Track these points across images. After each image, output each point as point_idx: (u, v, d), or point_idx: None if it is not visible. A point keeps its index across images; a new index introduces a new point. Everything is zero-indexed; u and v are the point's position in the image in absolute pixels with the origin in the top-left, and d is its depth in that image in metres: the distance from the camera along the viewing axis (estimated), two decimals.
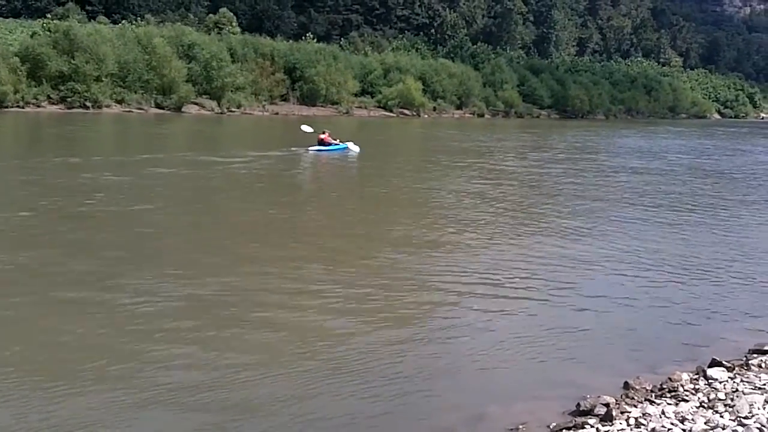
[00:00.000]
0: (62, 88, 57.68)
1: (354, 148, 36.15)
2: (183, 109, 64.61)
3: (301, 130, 37.68)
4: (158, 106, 63.53)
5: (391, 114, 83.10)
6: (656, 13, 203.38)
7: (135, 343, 9.36)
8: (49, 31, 61.66)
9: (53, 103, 57.41)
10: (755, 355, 10.09)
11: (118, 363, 8.75)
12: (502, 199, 23.03)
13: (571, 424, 7.70)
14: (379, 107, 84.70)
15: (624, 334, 10.98)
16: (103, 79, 59.42)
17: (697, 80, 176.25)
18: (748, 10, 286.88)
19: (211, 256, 13.92)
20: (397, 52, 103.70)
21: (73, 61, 57.54)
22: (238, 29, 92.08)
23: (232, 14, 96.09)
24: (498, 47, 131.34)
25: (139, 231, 15.93)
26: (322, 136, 35.62)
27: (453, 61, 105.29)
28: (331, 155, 34.64)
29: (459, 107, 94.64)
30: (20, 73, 55.05)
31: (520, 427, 7.63)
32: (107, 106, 59.42)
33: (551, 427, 7.70)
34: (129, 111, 60.43)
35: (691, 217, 21.79)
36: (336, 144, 35.73)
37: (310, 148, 34.72)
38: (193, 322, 10.23)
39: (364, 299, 11.70)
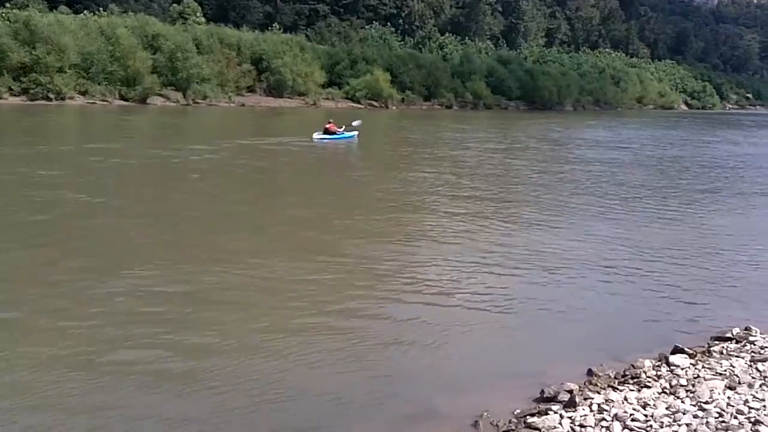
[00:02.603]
0: (24, 79, 56.99)
1: (356, 124, 38.82)
2: (148, 101, 64.11)
3: (351, 125, 39.17)
4: (122, 97, 63.02)
5: (359, 105, 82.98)
6: (624, 3, 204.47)
7: (112, 331, 9.40)
8: (9, 21, 60.90)
9: (15, 95, 56.72)
10: (717, 342, 10.33)
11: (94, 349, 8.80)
12: (469, 192, 23.15)
13: (535, 411, 7.87)
14: (346, 98, 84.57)
15: (589, 322, 11.19)
16: (66, 70, 58.78)
17: (664, 71, 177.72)
18: (716, 0, 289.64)
19: (170, 250, 13.92)
20: (364, 43, 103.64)
21: (34, 52, 56.81)
22: (203, 19, 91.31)
23: (197, 4, 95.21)
24: (466, 38, 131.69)
25: (95, 222, 15.89)
26: (328, 126, 37.01)
27: (421, 52, 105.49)
28: (337, 143, 36.06)
29: (427, 99, 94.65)
30: None
31: (484, 414, 7.77)
32: (70, 98, 58.85)
33: (515, 413, 7.86)
34: (93, 103, 59.89)
35: (657, 207, 22.06)
36: (341, 133, 37.22)
37: (315, 136, 36.08)
38: (158, 314, 10.27)
39: (329, 290, 11.80)
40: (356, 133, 38.77)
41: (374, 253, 14.20)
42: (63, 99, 58.04)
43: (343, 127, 38.09)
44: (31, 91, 56.80)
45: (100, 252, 13.37)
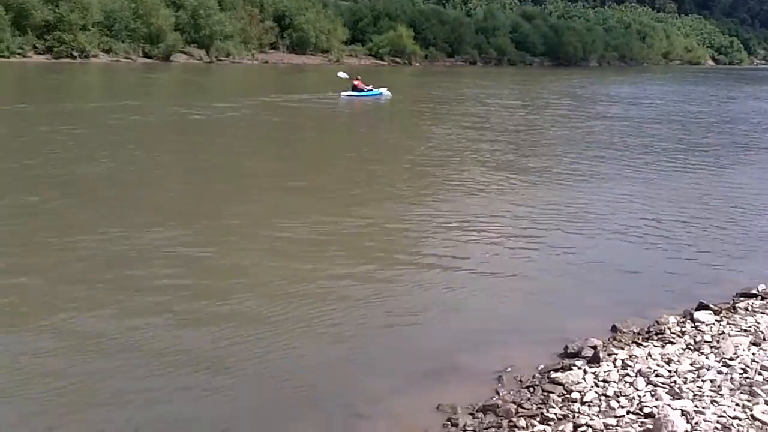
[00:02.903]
0: (48, 37, 57.01)
1: (386, 93, 38.26)
2: (171, 58, 64.07)
3: (337, 76, 39.77)
4: (146, 55, 62.97)
5: (383, 62, 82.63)
6: None
7: (115, 296, 9.46)
8: None
9: (39, 53, 56.76)
10: (742, 299, 10.24)
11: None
12: (491, 151, 22.89)
13: (558, 366, 7.86)
14: (369, 55, 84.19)
15: (613, 278, 11.15)
16: (90, 28, 58.71)
17: (691, 26, 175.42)
18: None
19: (187, 212, 13.93)
20: None
21: (57, 10, 56.81)
22: None
23: None
24: None
25: (113, 181, 15.96)
26: (356, 83, 37.52)
27: (444, 8, 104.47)
28: (364, 100, 36.44)
29: (451, 55, 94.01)
30: (4, 22, 54.32)
31: (508, 369, 7.79)
32: (94, 56, 58.84)
33: (539, 368, 7.86)
34: (117, 60, 59.89)
35: (680, 164, 21.91)
36: (369, 89, 37.63)
37: (343, 94, 36.57)
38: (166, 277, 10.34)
39: (349, 252, 11.77)
40: (385, 89, 38.66)
41: (394, 214, 14.13)
42: (87, 57, 58.07)
43: (371, 85, 38.24)
44: (56, 49, 56.83)
45: (115, 211, 13.34)
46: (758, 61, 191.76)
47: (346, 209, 14.16)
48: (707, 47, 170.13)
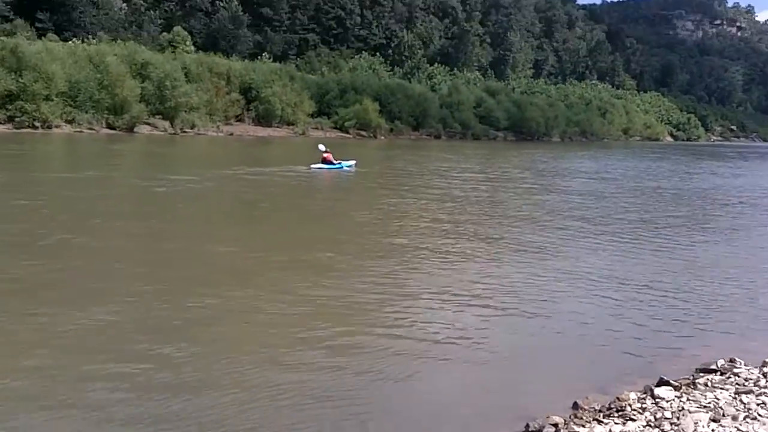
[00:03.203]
0: (10, 107, 56.88)
1: (352, 166, 39.74)
2: (135, 129, 64.23)
3: (318, 148, 40.25)
4: (110, 126, 63.07)
5: (348, 135, 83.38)
6: (611, 36, 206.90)
7: (79, 365, 9.24)
8: None
9: (0, 123, 56.57)
10: (702, 374, 10.20)
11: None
12: (453, 223, 22.88)
13: None
14: (335, 128, 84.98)
15: (573, 354, 11.05)
16: (53, 98, 58.72)
17: (650, 103, 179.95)
18: (700, 33, 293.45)
19: (147, 280, 13.77)
20: (354, 72, 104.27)
21: (21, 80, 56.80)
22: (193, 48, 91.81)
23: (186, 33, 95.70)
24: (455, 69, 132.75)
25: (72, 251, 15.74)
26: (325, 155, 38.67)
27: (410, 82, 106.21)
28: (333, 173, 37.49)
29: (416, 128, 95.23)
30: None
31: None
32: (57, 126, 58.80)
33: None
34: (80, 131, 59.87)
35: (639, 238, 21.93)
36: (338, 163, 38.84)
37: (313, 166, 37.74)
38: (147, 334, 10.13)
39: (305, 322, 11.58)
40: (354, 162, 40.09)
41: (353, 284, 13.95)
42: (49, 127, 57.96)
43: (338, 160, 39.20)
44: (17, 119, 56.70)
45: (74, 281, 13.09)
46: (715, 138, 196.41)
47: (302, 281, 14.00)
48: (666, 123, 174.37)
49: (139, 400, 8.38)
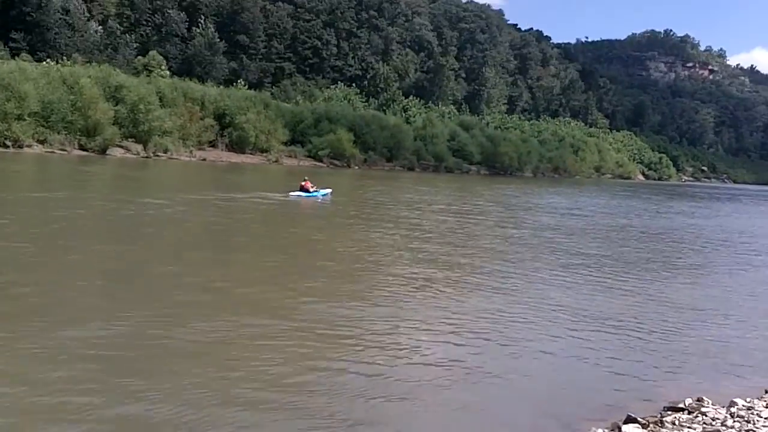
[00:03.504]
0: None
1: (328, 194, 40.66)
2: (107, 152, 63.81)
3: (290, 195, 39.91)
4: (82, 147, 62.64)
5: (321, 164, 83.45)
6: (584, 75, 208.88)
7: (45, 398, 9.03)
8: None
9: None
10: (669, 412, 10.22)
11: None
12: (423, 256, 22.77)
13: None
14: (309, 156, 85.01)
15: (541, 391, 11.01)
16: (26, 118, 58.29)
17: (622, 142, 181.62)
18: (672, 75, 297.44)
19: (114, 307, 13.56)
20: (329, 102, 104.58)
21: None
22: (168, 73, 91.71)
23: (161, 57, 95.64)
24: (430, 102, 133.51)
25: (35, 276, 15.49)
26: (303, 183, 39.33)
27: (385, 113, 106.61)
28: (311, 200, 38.22)
29: (389, 159, 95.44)
30: None
31: None
32: (28, 146, 58.33)
33: None
34: (51, 152, 59.39)
35: (608, 276, 22.01)
36: (315, 191, 39.56)
37: (292, 193, 38.36)
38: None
39: (276, 351, 11.49)
40: (330, 191, 40.96)
41: (324, 315, 13.85)
42: (21, 147, 57.52)
43: (315, 187, 39.81)
44: None
45: (39, 308, 12.81)
46: (686, 178, 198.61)
47: (274, 309, 13.90)
48: (638, 162, 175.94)
49: None
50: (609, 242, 31.43)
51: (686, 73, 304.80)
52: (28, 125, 58.61)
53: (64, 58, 79.98)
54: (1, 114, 56.38)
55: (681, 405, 10.49)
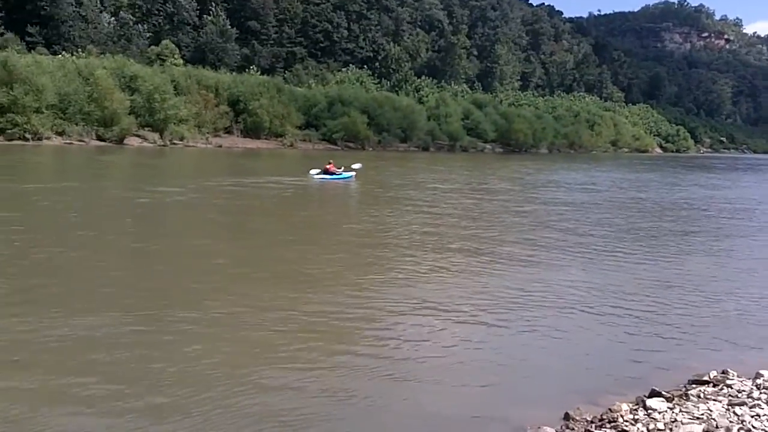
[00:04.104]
0: (1, 119, 56.85)
1: (350, 175, 40.74)
2: (125, 142, 64.21)
3: (352, 168, 41.43)
4: (99, 138, 63.02)
5: (336, 147, 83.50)
6: (598, 48, 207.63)
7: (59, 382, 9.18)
8: None
9: None
10: (694, 386, 10.18)
11: None
12: (441, 235, 22.89)
13: None
14: (323, 140, 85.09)
15: (565, 365, 11.04)
16: (44, 110, 58.76)
17: (639, 115, 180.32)
18: (688, 46, 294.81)
19: (132, 295, 13.70)
20: (341, 85, 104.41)
21: (11, 93, 56.80)
22: (181, 61, 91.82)
23: (174, 46, 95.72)
24: (442, 81, 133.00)
25: (56, 262, 15.66)
26: (328, 166, 39.51)
27: (397, 95, 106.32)
28: (336, 182, 38.56)
29: (404, 140, 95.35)
30: None
31: None
32: (47, 138, 58.78)
33: None
34: (69, 143, 59.84)
35: (629, 248, 21.92)
36: (340, 173, 39.82)
37: (316, 176, 38.63)
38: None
39: (294, 339, 11.58)
40: (354, 173, 40.91)
41: (342, 298, 13.88)
42: (40, 139, 57.95)
43: (342, 168, 40.29)
44: (8, 131, 56.68)
45: (57, 294, 13.02)
46: (705, 150, 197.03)
47: (292, 296, 13.93)
48: (655, 135, 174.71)
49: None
50: (625, 216, 31.29)
51: (702, 43, 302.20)
52: (47, 117, 59.14)
53: (79, 50, 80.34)
54: (20, 107, 56.88)
55: (705, 378, 10.43)
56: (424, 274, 16.62)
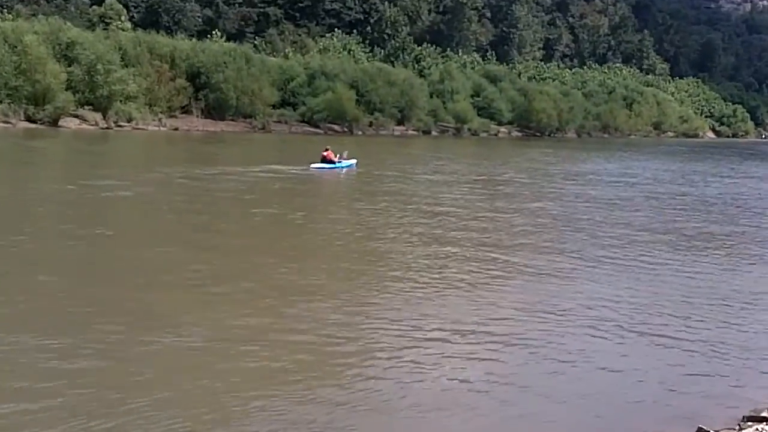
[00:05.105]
0: None
1: (351, 163, 41.76)
2: (60, 123, 64.07)
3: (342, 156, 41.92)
4: (29, 119, 62.90)
5: (318, 130, 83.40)
6: (639, 9, 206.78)
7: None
8: None
9: None
10: (750, 423, 10.48)
11: None
12: (450, 240, 23.44)
13: None
14: (302, 122, 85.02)
15: (608, 398, 11.55)
16: None
17: (687, 91, 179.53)
18: (748, 6, 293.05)
19: (70, 308, 14.34)
20: (325, 54, 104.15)
21: None
22: (130, 25, 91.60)
23: (121, 6, 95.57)
24: (448, 49, 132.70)
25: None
26: (325, 153, 40.03)
27: (393, 66, 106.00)
28: (335, 172, 39.39)
29: (400, 122, 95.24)
30: None
31: None
32: None
33: None
34: None
35: (671, 259, 22.33)
36: (340, 161, 40.51)
37: (312, 165, 39.14)
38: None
39: (267, 352, 12.39)
40: (355, 161, 41.93)
41: (332, 325, 14.08)
42: None
43: (345, 153, 41.50)
44: None
45: None
46: (767, 134, 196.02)
47: (263, 306, 14.74)
48: (706, 117, 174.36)
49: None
50: (668, 217, 31.48)
51: (765, 3, 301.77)
52: None
53: (5, 11, 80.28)
54: None
55: (764, 413, 10.66)
56: (436, 286, 17.09)
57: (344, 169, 40.46)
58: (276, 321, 13.83)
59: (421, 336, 13.50)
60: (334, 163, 39.89)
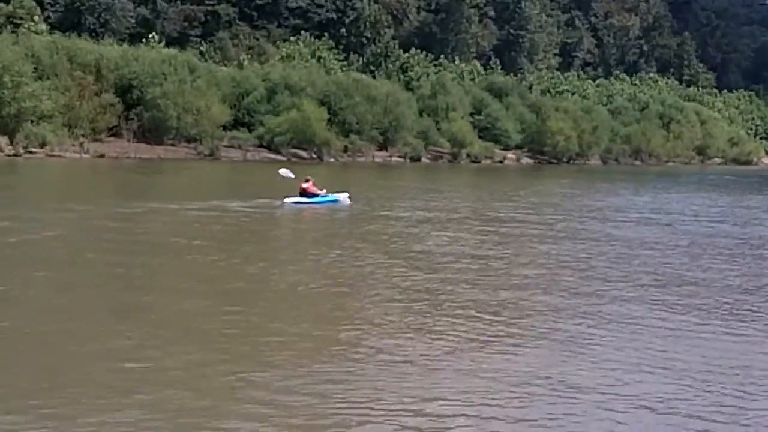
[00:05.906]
0: None
1: (345, 200, 41.19)
2: None
3: (279, 174, 42.44)
4: None
5: (280, 156, 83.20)
6: (677, 7, 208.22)
7: None
8: None
9: None
10: None
11: None
12: (447, 293, 22.85)
13: None
14: (260, 146, 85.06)
15: None
16: None
17: (737, 107, 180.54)
18: None
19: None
20: (288, 63, 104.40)
21: None
22: (45, 27, 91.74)
23: (34, 4, 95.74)
24: (442, 56, 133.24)
25: None
26: (305, 185, 39.62)
27: (374, 77, 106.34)
28: (316, 209, 38.92)
29: (383, 147, 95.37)
30: None
31: None
32: None
33: None
34: None
35: (720, 317, 21.86)
36: (323, 195, 40.12)
37: (287, 200, 38.73)
38: None
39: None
40: (346, 194, 41.49)
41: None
42: None
43: (324, 189, 40.68)
44: None
45: None
46: None
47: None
48: (761, 138, 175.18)
49: None
50: (711, 264, 31.42)
51: None
52: None
53: None
54: None
55: None
56: (445, 355, 16.66)
57: (330, 205, 40.08)
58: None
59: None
60: (316, 196, 39.52)
